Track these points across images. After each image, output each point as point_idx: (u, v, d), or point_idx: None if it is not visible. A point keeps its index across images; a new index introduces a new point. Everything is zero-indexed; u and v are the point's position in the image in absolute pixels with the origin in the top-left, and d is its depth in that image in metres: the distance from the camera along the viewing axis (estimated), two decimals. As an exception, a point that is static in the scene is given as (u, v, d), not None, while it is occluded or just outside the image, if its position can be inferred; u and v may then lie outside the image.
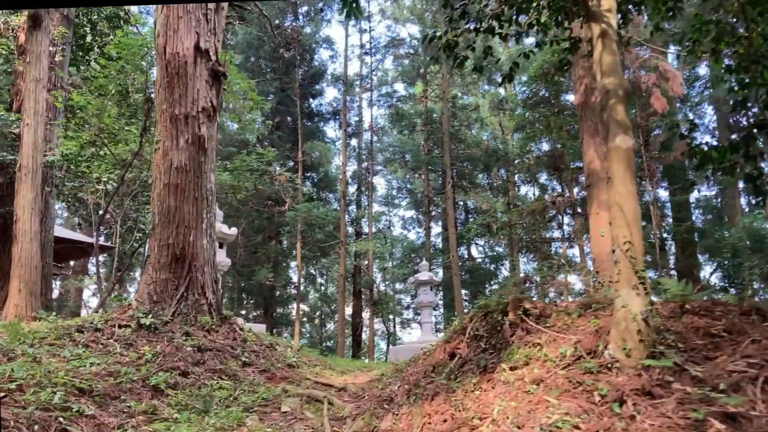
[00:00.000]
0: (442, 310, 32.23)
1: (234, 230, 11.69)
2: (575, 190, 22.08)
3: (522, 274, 35.76)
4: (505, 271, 36.86)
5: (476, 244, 37.03)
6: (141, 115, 12.31)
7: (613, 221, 4.79)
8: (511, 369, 4.76)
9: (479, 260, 36.66)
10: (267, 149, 15.36)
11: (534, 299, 5.99)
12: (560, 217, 19.50)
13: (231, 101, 12.73)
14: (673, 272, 23.37)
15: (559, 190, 26.91)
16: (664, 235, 24.08)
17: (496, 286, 35.99)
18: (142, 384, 5.74)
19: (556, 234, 24.89)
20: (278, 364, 7.57)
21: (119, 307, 8.13)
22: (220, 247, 11.55)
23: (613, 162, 4.80)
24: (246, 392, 6.36)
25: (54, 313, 9.95)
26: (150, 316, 7.63)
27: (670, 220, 24.90)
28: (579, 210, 19.02)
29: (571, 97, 24.33)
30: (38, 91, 9.81)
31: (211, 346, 7.33)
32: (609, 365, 4.23)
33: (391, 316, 34.62)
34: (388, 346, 34.30)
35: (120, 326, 7.46)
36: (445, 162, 23.90)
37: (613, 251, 4.73)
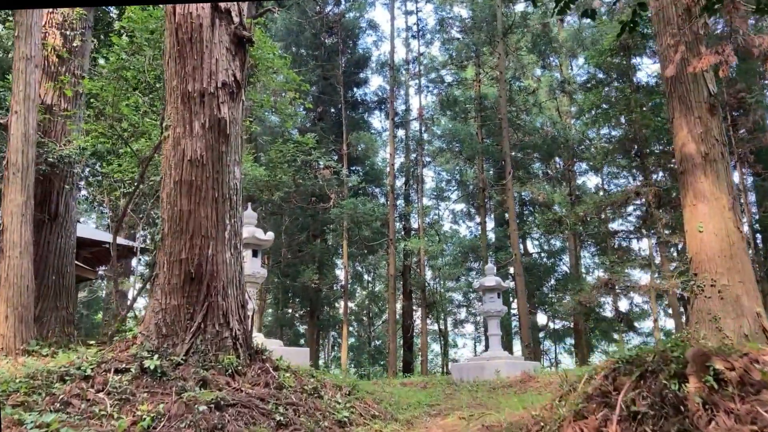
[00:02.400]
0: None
1: (270, 235, 9.82)
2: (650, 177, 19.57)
3: (581, 269, 33.20)
4: (564, 266, 34.39)
5: (532, 237, 34.57)
6: (163, 102, 10.54)
7: None
8: (737, 502, 2.69)
9: (534, 255, 34.19)
10: (306, 136, 13.45)
11: (727, 353, 3.80)
12: (647, 209, 17.03)
13: (263, 79, 10.87)
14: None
15: (632, 180, 24.34)
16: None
17: (553, 282, 33.55)
18: (123, 482, 3.85)
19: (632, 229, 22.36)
20: (325, 421, 5.62)
21: (120, 341, 6.32)
22: (254, 255, 9.69)
23: None
24: (279, 478, 4.42)
25: (47, 345, 8.25)
26: (156, 356, 5.79)
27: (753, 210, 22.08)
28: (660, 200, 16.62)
29: (643, 74, 21.85)
30: (28, 72, 8.10)
31: (235, 400, 5.42)
32: None
33: (442, 315, 32.58)
34: (442, 350, 32.19)
35: (116, 371, 5.64)
36: (504, 150, 21.63)
37: None
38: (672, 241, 16.09)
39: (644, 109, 16.50)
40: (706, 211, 12.83)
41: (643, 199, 16.27)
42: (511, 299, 30.62)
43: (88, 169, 17.78)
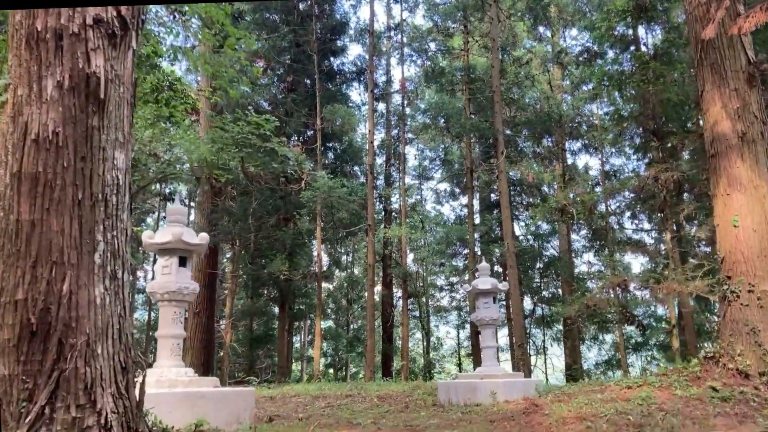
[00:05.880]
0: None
1: (203, 237, 7.42)
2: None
3: (579, 262, 31.24)
4: (552, 250, 32.49)
5: (518, 219, 32.46)
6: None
7: None
8: None
9: (521, 238, 32.10)
10: (265, 116, 11.02)
11: None
12: (664, 198, 14.84)
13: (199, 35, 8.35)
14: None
15: (633, 160, 22.21)
16: None
17: (540, 265, 31.69)
18: None
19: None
20: None
21: None
22: (183, 263, 7.29)
23: None
24: None
25: None
26: (-38, 466, 3.45)
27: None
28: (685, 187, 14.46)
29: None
30: None
31: None
32: None
33: (425, 306, 30.48)
34: (424, 350, 30.11)
35: None
36: (496, 127, 19.30)
37: None
38: (699, 237, 13.96)
39: (665, 79, 14.23)
40: (743, 202, 10.67)
41: (669, 186, 14.06)
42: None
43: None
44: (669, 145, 14.59)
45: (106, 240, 4.24)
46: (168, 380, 6.75)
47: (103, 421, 3.91)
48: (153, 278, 7.56)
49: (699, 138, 12.58)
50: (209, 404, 6.62)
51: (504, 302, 24.08)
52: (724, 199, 10.94)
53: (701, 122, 16.25)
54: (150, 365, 7.38)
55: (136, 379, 4.33)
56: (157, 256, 7.37)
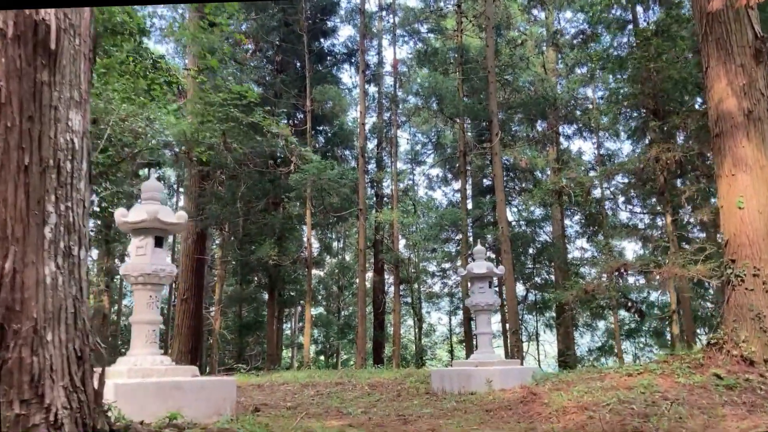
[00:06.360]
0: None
1: (182, 216, 6.89)
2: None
3: (565, 239, 30.90)
4: (544, 235, 32.09)
5: (510, 204, 32.04)
6: None
7: None
8: None
9: (513, 223, 31.69)
10: (244, 85, 10.43)
11: None
12: (665, 178, 14.33)
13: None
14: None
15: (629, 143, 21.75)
16: None
17: (532, 251, 31.29)
18: None
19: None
20: None
21: None
22: (158, 244, 6.76)
23: None
24: None
25: None
26: None
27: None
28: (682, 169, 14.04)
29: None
30: None
31: None
32: None
33: (417, 293, 30.05)
34: (416, 337, 29.74)
35: None
36: (491, 109, 18.79)
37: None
38: (695, 221, 13.57)
39: (666, 56, 13.75)
40: (749, 183, 10.24)
41: (671, 166, 13.61)
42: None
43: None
44: (668, 126, 14.10)
45: (58, 212, 3.72)
46: (142, 369, 6.26)
47: (52, 418, 3.41)
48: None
49: (702, 117, 12.13)
50: (187, 395, 6.14)
51: (497, 287, 23.71)
52: (729, 180, 10.52)
53: (699, 102, 15.84)
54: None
55: (95, 370, 3.83)
56: (131, 236, 6.85)
